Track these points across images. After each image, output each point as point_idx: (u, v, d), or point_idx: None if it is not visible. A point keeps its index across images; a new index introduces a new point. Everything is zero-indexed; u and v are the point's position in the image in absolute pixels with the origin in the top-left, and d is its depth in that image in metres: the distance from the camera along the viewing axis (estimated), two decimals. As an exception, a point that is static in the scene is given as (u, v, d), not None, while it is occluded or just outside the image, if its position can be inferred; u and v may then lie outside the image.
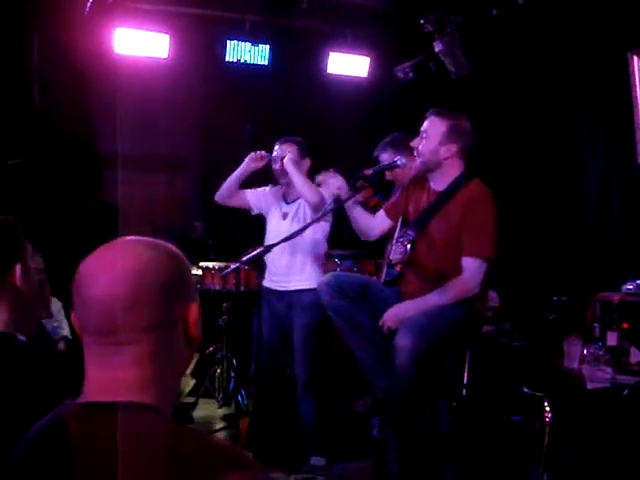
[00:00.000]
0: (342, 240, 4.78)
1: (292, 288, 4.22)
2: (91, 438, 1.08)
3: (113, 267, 1.15)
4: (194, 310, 1.21)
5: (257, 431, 4.16)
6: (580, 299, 4.62)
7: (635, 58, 4.81)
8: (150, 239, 1.23)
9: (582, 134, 5.51)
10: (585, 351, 3.84)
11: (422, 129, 3.37)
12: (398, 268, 3.45)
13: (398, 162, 3.56)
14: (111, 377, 1.15)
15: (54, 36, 5.51)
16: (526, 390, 3.73)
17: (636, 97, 4.87)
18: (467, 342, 3.49)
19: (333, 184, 3.44)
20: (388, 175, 4.18)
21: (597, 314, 4.25)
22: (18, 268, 1.74)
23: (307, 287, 4.15)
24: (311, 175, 4.10)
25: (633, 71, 4.84)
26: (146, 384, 1.15)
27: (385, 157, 4.07)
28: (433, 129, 3.33)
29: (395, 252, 3.48)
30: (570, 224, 5.53)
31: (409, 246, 3.39)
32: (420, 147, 3.36)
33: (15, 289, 1.73)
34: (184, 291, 1.20)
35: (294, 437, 4.17)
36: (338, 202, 3.46)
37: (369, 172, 3.44)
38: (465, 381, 3.58)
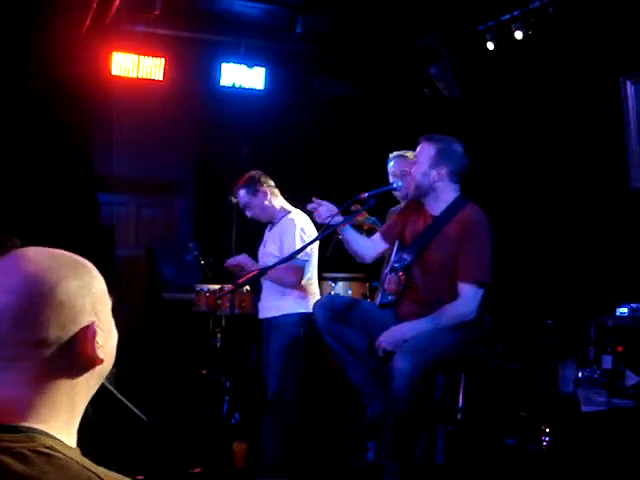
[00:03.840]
0: (336, 263, 4.77)
1: (269, 315, 4.22)
2: None
3: (5, 276, 1.07)
4: (93, 329, 1.10)
5: (254, 454, 4.13)
6: (575, 322, 4.62)
7: (628, 82, 4.86)
8: (57, 250, 1.13)
9: (574, 156, 5.54)
10: (580, 374, 3.84)
11: (415, 154, 3.42)
12: (394, 297, 3.45)
13: (395, 185, 3.56)
14: (2, 396, 1.06)
15: (51, 58, 5.53)
16: (523, 414, 3.72)
17: (629, 121, 4.91)
18: (463, 366, 3.48)
19: (323, 212, 3.40)
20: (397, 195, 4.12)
21: (592, 337, 4.25)
22: None
23: (280, 314, 4.12)
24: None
25: (626, 95, 4.89)
26: (35, 406, 1.05)
27: (394, 167, 4.07)
28: (423, 153, 3.37)
29: (390, 281, 3.47)
30: (565, 247, 5.54)
31: (404, 277, 3.39)
32: (413, 171, 3.40)
33: None
34: (84, 308, 1.09)
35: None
36: (329, 228, 3.43)
37: (365, 195, 3.43)
38: (460, 404, 3.56)
